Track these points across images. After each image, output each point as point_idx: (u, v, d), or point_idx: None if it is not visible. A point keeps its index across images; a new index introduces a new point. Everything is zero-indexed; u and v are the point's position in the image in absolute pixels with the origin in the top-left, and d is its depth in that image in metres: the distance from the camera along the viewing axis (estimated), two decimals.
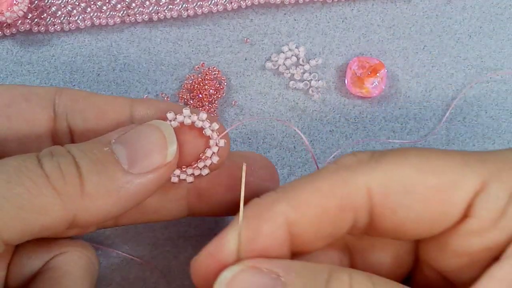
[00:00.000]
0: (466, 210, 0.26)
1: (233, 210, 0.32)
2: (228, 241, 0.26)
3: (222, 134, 0.29)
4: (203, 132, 0.29)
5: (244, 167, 0.28)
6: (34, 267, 0.29)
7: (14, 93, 0.29)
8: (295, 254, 0.28)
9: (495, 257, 0.26)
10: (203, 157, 0.29)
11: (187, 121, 0.29)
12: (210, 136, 0.29)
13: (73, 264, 0.29)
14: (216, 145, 0.29)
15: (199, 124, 0.29)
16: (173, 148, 0.27)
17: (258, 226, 0.26)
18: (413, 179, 0.26)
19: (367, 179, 0.26)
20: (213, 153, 0.29)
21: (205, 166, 0.29)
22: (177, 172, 0.30)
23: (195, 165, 0.29)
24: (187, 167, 0.30)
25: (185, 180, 0.30)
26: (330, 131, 0.42)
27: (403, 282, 0.28)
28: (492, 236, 0.26)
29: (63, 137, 0.30)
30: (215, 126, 0.29)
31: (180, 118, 0.29)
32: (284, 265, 0.25)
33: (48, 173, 0.25)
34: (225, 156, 0.30)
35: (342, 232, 0.27)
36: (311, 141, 0.42)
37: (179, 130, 0.29)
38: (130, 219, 0.32)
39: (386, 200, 0.26)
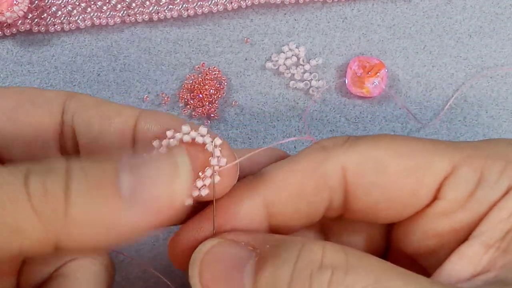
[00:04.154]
0: (436, 192, 0.27)
1: None
2: (207, 219, 0.27)
3: (231, 162, 0.27)
4: (205, 148, 0.27)
5: (213, 144, 0.27)
6: (45, 273, 0.29)
7: (21, 97, 0.28)
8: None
9: (463, 239, 0.27)
10: (202, 176, 0.27)
11: (186, 138, 0.27)
12: (212, 153, 0.27)
13: (84, 270, 0.28)
14: (218, 161, 0.27)
15: (199, 140, 0.27)
16: (182, 191, 0.24)
17: (236, 206, 0.27)
18: (386, 161, 0.27)
19: (342, 159, 0.27)
20: (214, 172, 0.27)
21: (204, 186, 0.27)
22: None
23: (193, 184, 0.27)
24: None
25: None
26: (330, 131, 0.42)
27: None
28: (460, 217, 0.27)
29: (69, 143, 0.29)
30: (218, 141, 0.27)
31: (178, 135, 0.27)
32: (259, 238, 0.26)
33: (31, 190, 0.22)
34: (232, 177, 0.28)
35: (319, 213, 0.28)
36: (311, 141, 0.42)
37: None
38: None
39: (360, 180, 0.27)
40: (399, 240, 0.30)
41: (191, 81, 0.42)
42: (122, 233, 0.24)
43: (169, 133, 0.27)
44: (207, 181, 0.27)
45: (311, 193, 0.28)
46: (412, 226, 0.28)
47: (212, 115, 0.42)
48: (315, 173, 0.27)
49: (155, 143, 0.27)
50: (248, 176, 0.28)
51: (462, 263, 0.27)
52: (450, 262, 0.27)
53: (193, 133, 0.27)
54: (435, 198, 0.27)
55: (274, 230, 0.29)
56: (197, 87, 0.42)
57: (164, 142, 0.27)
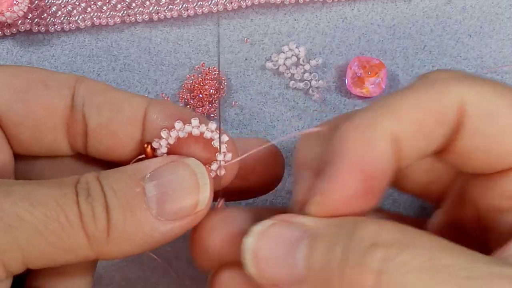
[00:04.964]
0: None
1: (243, 196, 0.33)
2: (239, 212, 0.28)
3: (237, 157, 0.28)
4: (212, 143, 0.28)
5: (220, 140, 0.28)
6: None
7: (34, 78, 0.29)
8: None
9: None
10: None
11: (195, 131, 0.28)
12: (219, 149, 0.28)
13: None
14: (224, 157, 0.28)
15: (208, 135, 0.28)
16: (205, 197, 0.27)
17: (370, 147, 0.25)
18: (502, 109, 0.26)
19: (463, 94, 0.25)
20: (219, 166, 0.28)
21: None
22: None
23: None
24: None
25: None
26: None
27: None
28: None
29: (77, 127, 0.29)
30: (225, 138, 0.28)
31: (188, 128, 0.27)
32: (313, 219, 0.25)
33: (83, 214, 0.25)
34: (233, 172, 0.29)
35: (432, 150, 0.27)
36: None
37: (186, 140, 0.28)
38: None
39: (470, 121, 0.26)
40: (473, 193, 0.29)
41: (191, 81, 0.42)
42: (153, 244, 0.26)
43: (178, 125, 0.27)
44: (211, 174, 0.28)
45: (430, 129, 0.26)
46: (494, 181, 0.27)
47: (212, 115, 0.42)
48: (438, 106, 0.26)
49: (163, 133, 0.27)
50: (365, 108, 0.27)
51: None
52: None
53: (202, 127, 0.27)
54: None
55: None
56: (197, 87, 0.42)
57: (173, 133, 0.27)
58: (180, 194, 0.26)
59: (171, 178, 0.26)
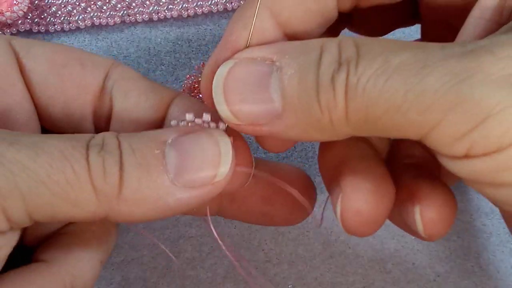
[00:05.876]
0: None
1: (264, 220, 0.32)
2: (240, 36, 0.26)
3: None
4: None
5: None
6: (51, 229, 0.29)
7: (71, 55, 0.29)
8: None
9: None
10: None
11: (205, 126, 0.27)
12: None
13: (89, 232, 0.29)
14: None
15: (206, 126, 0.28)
16: (225, 169, 0.26)
17: (245, 29, 0.26)
18: None
19: None
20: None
21: None
22: None
23: None
24: None
25: None
26: None
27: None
28: None
29: (104, 109, 0.30)
30: (222, 125, 0.28)
31: (198, 121, 0.27)
32: (276, 49, 0.25)
33: (92, 168, 0.24)
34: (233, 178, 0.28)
35: (331, 7, 0.27)
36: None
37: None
38: None
39: None
40: None
41: (191, 81, 0.42)
42: (167, 210, 0.25)
43: (188, 116, 0.27)
44: None
45: None
46: None
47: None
48: None
49: (173, 122, 0.28)
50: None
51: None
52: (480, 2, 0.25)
53: (212, 124, 0.27)
54: None
55: (291, 36, 0.27)
56: (197, 87, 0.42)
57: (182, 124, 0.28)
58: (201, 161, 0.25)
59: (194, 145, 0.25)
